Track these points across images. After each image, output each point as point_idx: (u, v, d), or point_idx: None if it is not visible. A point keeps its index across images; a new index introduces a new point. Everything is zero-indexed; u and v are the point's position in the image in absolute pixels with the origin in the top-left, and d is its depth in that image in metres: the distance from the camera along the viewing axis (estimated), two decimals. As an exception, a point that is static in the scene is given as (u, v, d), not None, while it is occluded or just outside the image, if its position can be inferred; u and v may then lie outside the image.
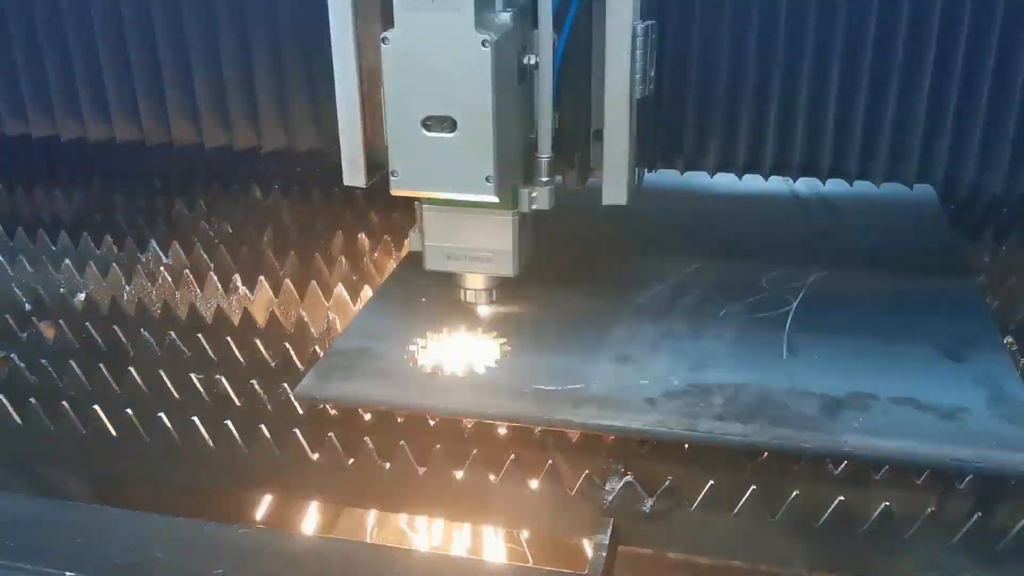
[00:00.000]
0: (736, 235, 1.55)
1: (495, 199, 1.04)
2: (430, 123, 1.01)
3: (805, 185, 1.63)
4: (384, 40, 1.00)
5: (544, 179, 1.11)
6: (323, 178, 1.86)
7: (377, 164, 1.12)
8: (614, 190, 1.12)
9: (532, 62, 1.05)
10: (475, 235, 1.14)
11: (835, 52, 1.37)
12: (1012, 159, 1.37)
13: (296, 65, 1.54)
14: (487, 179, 1.02)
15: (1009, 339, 1.25)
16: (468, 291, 1.22)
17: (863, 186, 1.52)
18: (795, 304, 1.31)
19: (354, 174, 1.11)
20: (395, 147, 1.04)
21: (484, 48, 0.96)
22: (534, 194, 1.11)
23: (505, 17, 1.01)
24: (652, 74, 1.11)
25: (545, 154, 1.10)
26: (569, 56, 1.09)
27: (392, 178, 1.05)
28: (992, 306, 1.35)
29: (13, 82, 1.67)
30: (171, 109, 1.63)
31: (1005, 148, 1.37)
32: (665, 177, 1.62)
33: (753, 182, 1.56)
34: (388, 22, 1.02)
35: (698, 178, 1.60)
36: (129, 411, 1.19)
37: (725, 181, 1.58)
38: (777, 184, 1.61)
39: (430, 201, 1.14)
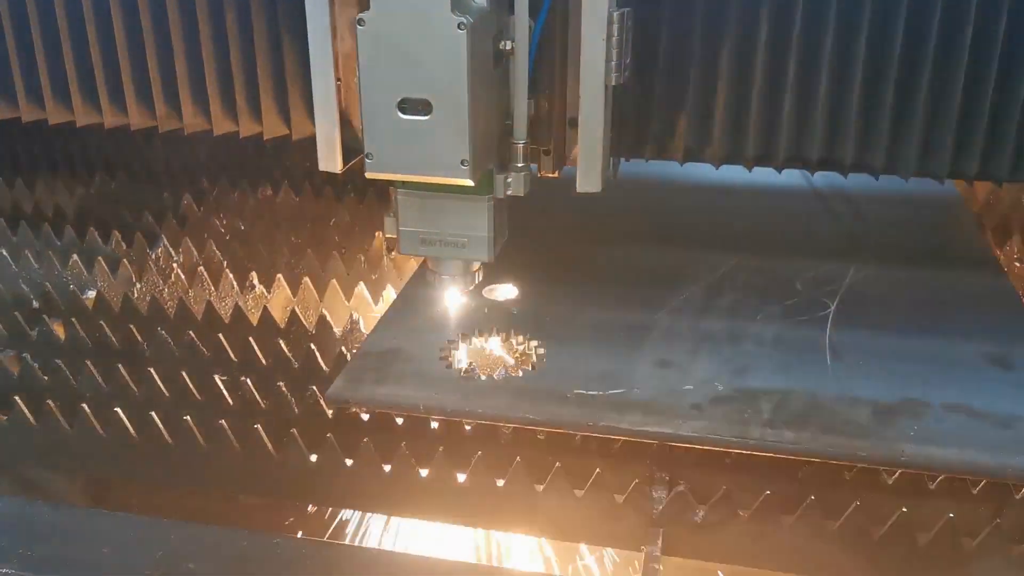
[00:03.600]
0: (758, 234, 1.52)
1: (470, 182, 1.04)
2: (405, 106, 1.01)
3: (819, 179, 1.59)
4: (360, 22, 1.00)
5: (519, 165, 1.11)
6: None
7: (353, 149, 1.12)
8: (588, 178, 1.12)
9: (508, 47, 1.05)
10: (450, 220, 1.13)
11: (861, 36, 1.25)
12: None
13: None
14: (463, 162, 1.02)
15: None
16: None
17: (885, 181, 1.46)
18: (833, 308, 1.29)
19: (329, 158, 1.11)
20: (370, 130, 1.03)
21: (460, 31, 0.97)
22: (509, 179, 1.11)
23: (481, 1, 1.01)
24: (627, 61, 1.11)
25: (520, 139, 1.10)
26: (545, 42, 1.09)
27: (367, 161, 1.05)
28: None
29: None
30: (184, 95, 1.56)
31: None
32: (664, 168, 1.50)
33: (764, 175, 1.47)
34: (364, 5, 1.02)
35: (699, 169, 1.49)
36: (152, 413, 1.14)
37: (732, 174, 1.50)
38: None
39: (404, 185, 1.13)
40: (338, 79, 1.08)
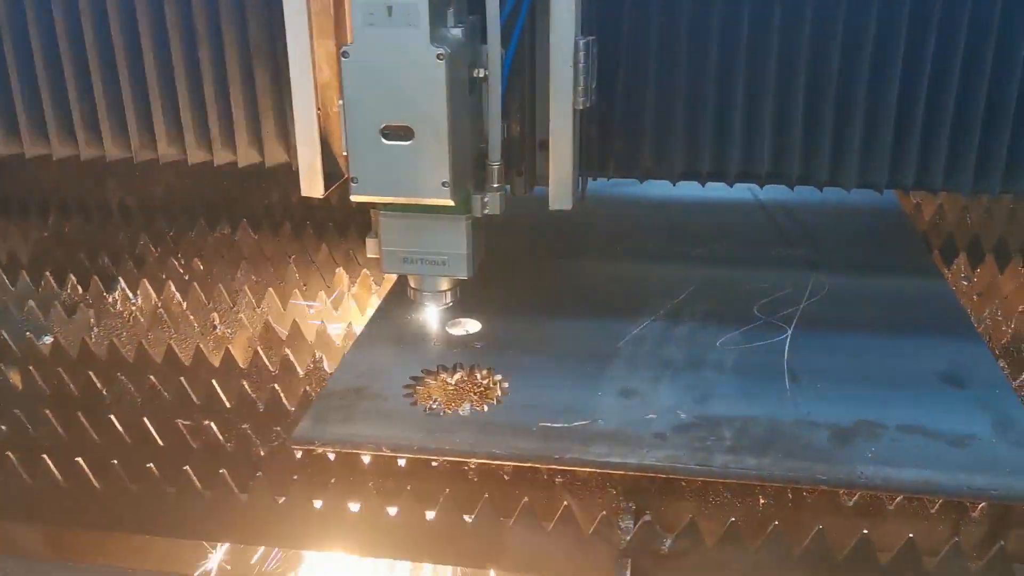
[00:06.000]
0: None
1: (451, 202, 1.10)
2: (388, 132, 1.06)
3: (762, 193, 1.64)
4: (344, 54, 1.05)
5: (495, 185, 1.17)
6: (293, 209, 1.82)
7: (333, 174, 1.18)
8: (560, 196, 1.18)
9: (481, 75, 1.11)
10: (430, 239, 1.18)
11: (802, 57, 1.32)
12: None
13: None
14: (443, 184, 1.08)
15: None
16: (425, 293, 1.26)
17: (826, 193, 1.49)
18: (789, 332, 1.31)
19: (312, 184, 1.16)
20: (355, 155, 1.09)
21: (439, 61, 1.03)
22: (486, 199, 1.17)
23: (457, 32, 1.08)
24: (594, 86, 1.17)
25: (496, 161, 1.16)
26: (515, 70, 1.16)
27: (352, 185, 1.10)
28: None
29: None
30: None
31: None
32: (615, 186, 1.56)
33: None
34: (341, 37, 1.11)
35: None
36: (115, 461, 1.13)
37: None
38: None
39: (386, 207, 1.17)
40: (318, 109, 1.13)
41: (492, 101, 1.13)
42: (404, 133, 1.06)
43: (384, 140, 1.07)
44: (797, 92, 1.33)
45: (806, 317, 1.35)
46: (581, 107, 1.14)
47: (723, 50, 1.33)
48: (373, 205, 1.18)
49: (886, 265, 1.53)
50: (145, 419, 1.19)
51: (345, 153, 1.11)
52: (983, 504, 1.04)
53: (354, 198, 1.12)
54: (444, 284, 1.24)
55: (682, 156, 1.39)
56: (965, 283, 1.56)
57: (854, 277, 1.48)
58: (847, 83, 1.32)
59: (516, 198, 1.27)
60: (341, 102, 1.08)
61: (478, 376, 1.23)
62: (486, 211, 1.17)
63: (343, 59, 1.05)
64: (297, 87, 1.12)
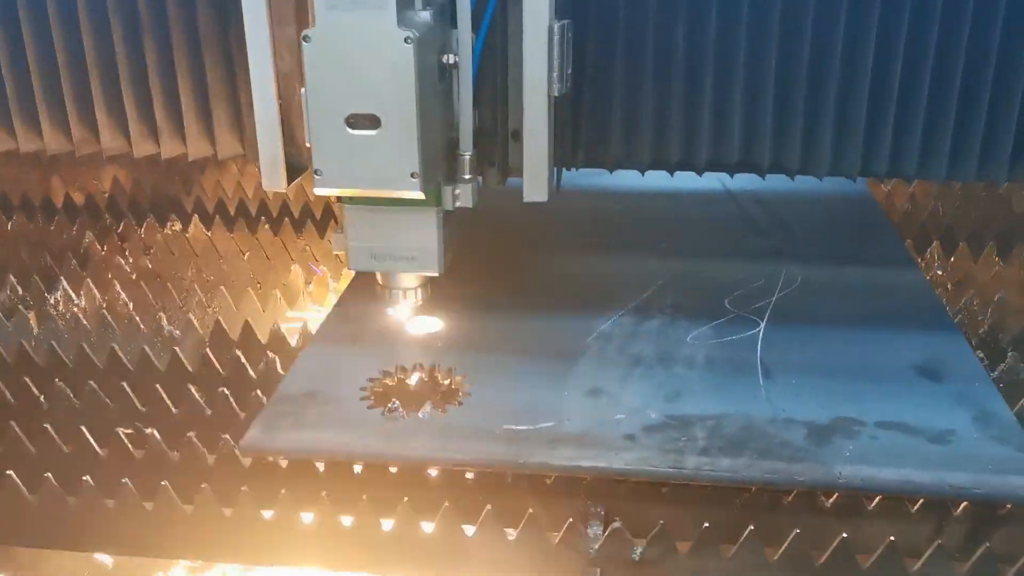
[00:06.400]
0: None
1: (421, 195, 1.05)
2: (353, 121, 1.02)
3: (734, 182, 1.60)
4: (305, 39, 1.00)
5: (467, 176, 1.13)
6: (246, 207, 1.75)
7: (296, 167, 1.13)
8: (535, 187, 1.14)
9: (451, 61, 1.07)
10: (399, 233, 1.14)
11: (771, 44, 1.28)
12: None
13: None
14: (412, 175, 1.03)
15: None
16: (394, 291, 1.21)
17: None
18: (762, 326, 1.27)
19: (274, 177, 1.12)
20: (318, 146, 1.04)
21: (407, 45, 0.98)
22: (457, 191, 1.12)
23: (425, 16, 1.03)
24: (569, 72, 1.13)
25: (467, 151, 1.12)
26: (487, 56, 1.12)
27: (316, 177, 1.05)
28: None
29: None
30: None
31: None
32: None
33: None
34: (302, 23, 1.06)
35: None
36: (49, 474, 1.06)
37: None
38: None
39: (353, 201, 1.12)
40: (280, 99, 1.08)
41: (463, 88, 1.08)
42: (370, 122, 1.01)
43: (349, 130, 1.02)
44: (768, 78, 1.29)
45: (779, 310, 1.31)
46: (557, 93, 1.10)
47: (691, 36, 1.27)
48: (339, 199, 1.13)
49: (858, 255, 1.49)
50: (83, 428, 1.12)
51: (309, 144, 1.05)
52: (965, 504, 1.00)
53: (318, 191, 1.06)
54: (414, 281, 1.19)
55: (651, 145, 1.34)
56: (940, 272, 1.52)
57: (827, 267, 1.44)
58: (819, 70, 1.27)
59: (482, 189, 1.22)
60: (303, 90, 1.02)
61: (439, 376, 1.18)
62: (457, 203, 1.12)
63: (304, 44, 0.99)
64: (256, 76, 1.07)
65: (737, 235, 1.55)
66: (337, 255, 1.30)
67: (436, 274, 1.16)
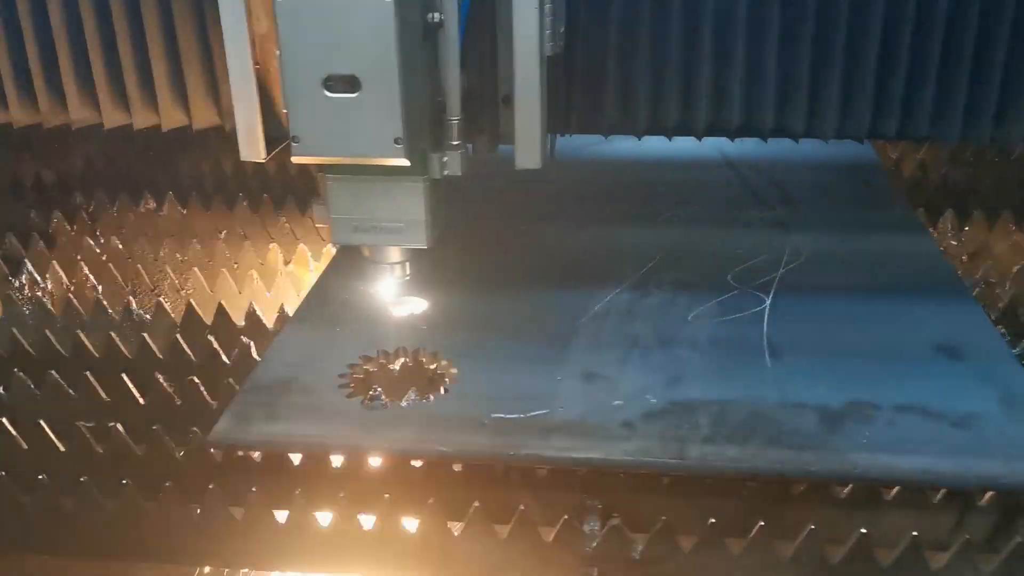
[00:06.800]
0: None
1: (406, 162, 0.99)
2: (332, 83, 0.96)
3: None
4: None
5: (455, 143, 1.06)
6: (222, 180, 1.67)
7: (276, 137, 1.06)
8: (527, 154, 1.08)
9: (437, 19, 1.01)
10: (384, 204, 1.08)
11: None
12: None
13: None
14: (396, 140, 0.98)
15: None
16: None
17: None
18: (768, 302, 1.19)
19: (252, 148, 1.06)
20: (295, 111, 0.99)
21: (388, 1, 0.92)
22: (445, 159, 1.07)
23: None
24: (562, 31, 1.08)
25: (455, 116, 1.06)
26: (475, 13, 1.05)
27: (293, 144, 1.00)
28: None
29: None
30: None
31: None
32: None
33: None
34: None
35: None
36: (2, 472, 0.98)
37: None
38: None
39: (334, 169, 1.07)
40: (256, 63, 1.02)
41: (449, 49, 1.02)
42: (350, 84, 0.95)
43: (327, 93, 0.96)
44: (771, 35, 1.21)
45: (785, 284, 1.24)
46: (550, 53, 1.04)
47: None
48: (319, 167, 1.07)
49: (867, 224, 1.41)
50: (42, 422, 1.05)
51: (285, 110, 0.99)
52: (991, 493, 0.93)
53: (296, 159, 1.00)
54: (399, 255, 1.13)
55: (647, 109, 1.26)
56: (954, 243, 1.45)
57: (835, 238, 1.37)
58: (825, 25, 1.20)
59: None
60: (279, 53, 0.96)
61: (423, 361, 1.11)
62: (445, 172, 1.06)
63: (276, 2, 0.93)
64: (230, 39, 1.00)
65: (739, 205, 1.47)
66: (318, 228, 1.22)
67: (424, 247, 1.09)
